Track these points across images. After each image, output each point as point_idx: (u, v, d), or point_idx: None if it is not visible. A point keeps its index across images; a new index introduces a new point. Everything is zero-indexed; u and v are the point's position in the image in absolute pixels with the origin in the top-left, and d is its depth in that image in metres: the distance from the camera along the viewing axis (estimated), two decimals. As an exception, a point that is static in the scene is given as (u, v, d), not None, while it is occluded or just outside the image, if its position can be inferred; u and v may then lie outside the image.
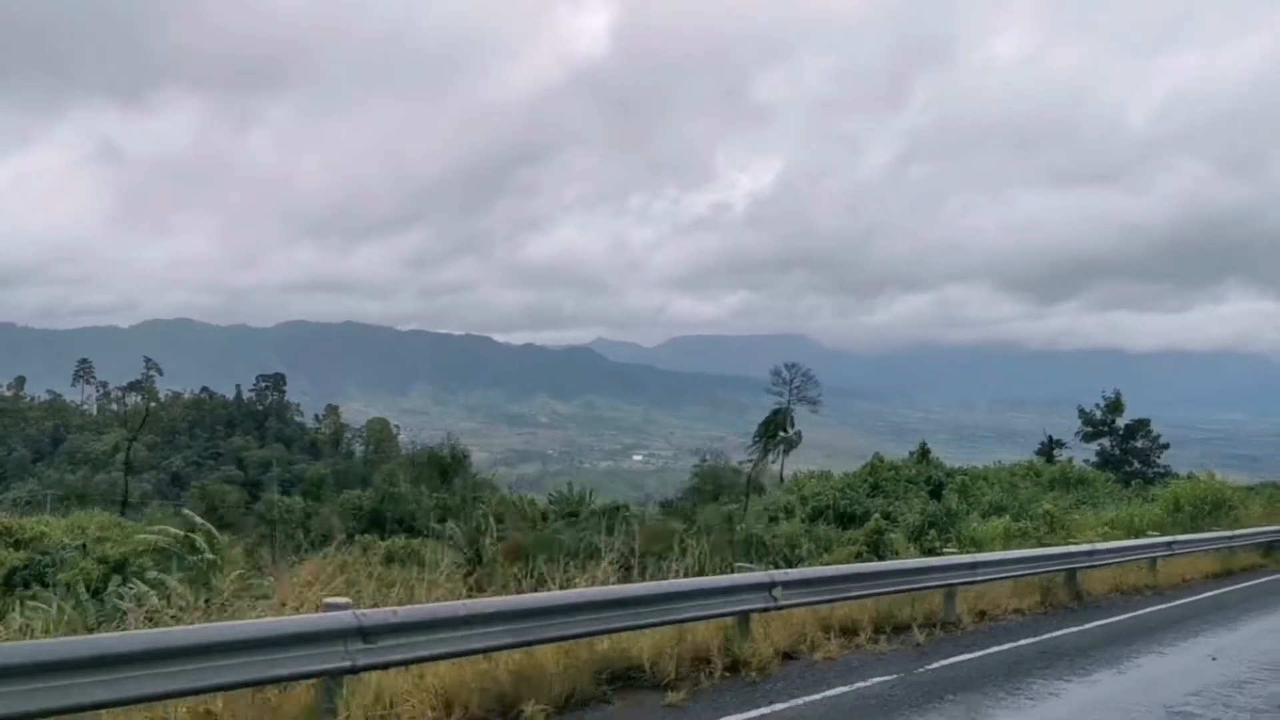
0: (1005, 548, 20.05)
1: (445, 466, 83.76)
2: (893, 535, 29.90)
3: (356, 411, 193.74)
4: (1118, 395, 65.72)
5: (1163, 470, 58.95)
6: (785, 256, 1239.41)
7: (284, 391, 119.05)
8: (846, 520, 39.06)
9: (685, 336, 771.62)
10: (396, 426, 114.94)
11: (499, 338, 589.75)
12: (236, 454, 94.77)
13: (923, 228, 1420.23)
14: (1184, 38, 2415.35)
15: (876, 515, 33.09)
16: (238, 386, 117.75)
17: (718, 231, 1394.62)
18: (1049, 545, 18.47)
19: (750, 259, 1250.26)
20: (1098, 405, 66.22)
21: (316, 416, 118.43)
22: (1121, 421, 65.36)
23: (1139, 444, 64.50)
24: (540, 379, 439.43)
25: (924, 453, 52.55)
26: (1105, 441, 65.25)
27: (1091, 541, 18.21)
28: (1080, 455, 64.37)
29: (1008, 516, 29.83)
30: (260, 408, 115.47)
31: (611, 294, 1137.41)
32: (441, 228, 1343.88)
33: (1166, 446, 65.04)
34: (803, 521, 40.23)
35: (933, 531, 29.33)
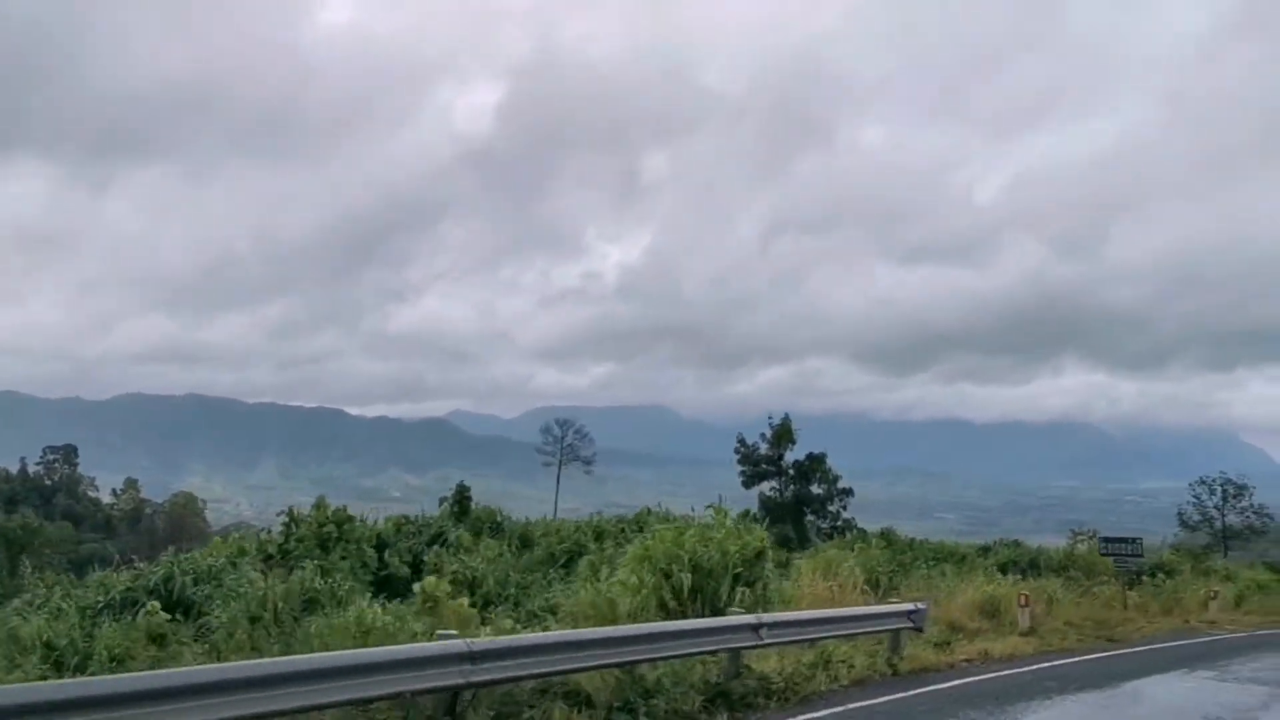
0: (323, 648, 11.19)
1: (11, 539, 71.17)
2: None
3: (199, 487, 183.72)
4: (785, 421, 50.42)
5: (842, 524, 46.51)
6: (653, 329, 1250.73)
7: (75, 464, 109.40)
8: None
9: (545, 408, 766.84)
10: (203, 501, 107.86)
11: (352, 410, 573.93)
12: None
13: (787, 301, 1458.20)
14: (1033, 124, 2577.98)
15: None
16: (22, 459, 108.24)
17: (588, 304, 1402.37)
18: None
19: (618, 331, 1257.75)
20: (763, 435, 50.46)
21: (114, 491, 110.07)
22: (792, 457, 50.41)
23: (816, 489, 49.46)
24: (394, 452, 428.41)
25: (461, 499, 33.11)
26: (774, 484, 50.45)
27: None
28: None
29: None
30: (49, 482, 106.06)
31: (476, 365, 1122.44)
32: (306, 299, 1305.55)
33: (849, 492, 50.01)
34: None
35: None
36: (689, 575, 13.59)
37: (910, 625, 15.14)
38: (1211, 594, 28.18)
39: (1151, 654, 18.40)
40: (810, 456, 50.16)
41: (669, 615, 13.17)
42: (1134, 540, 29.00)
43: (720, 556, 14.07)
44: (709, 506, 17.14)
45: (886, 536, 33.79)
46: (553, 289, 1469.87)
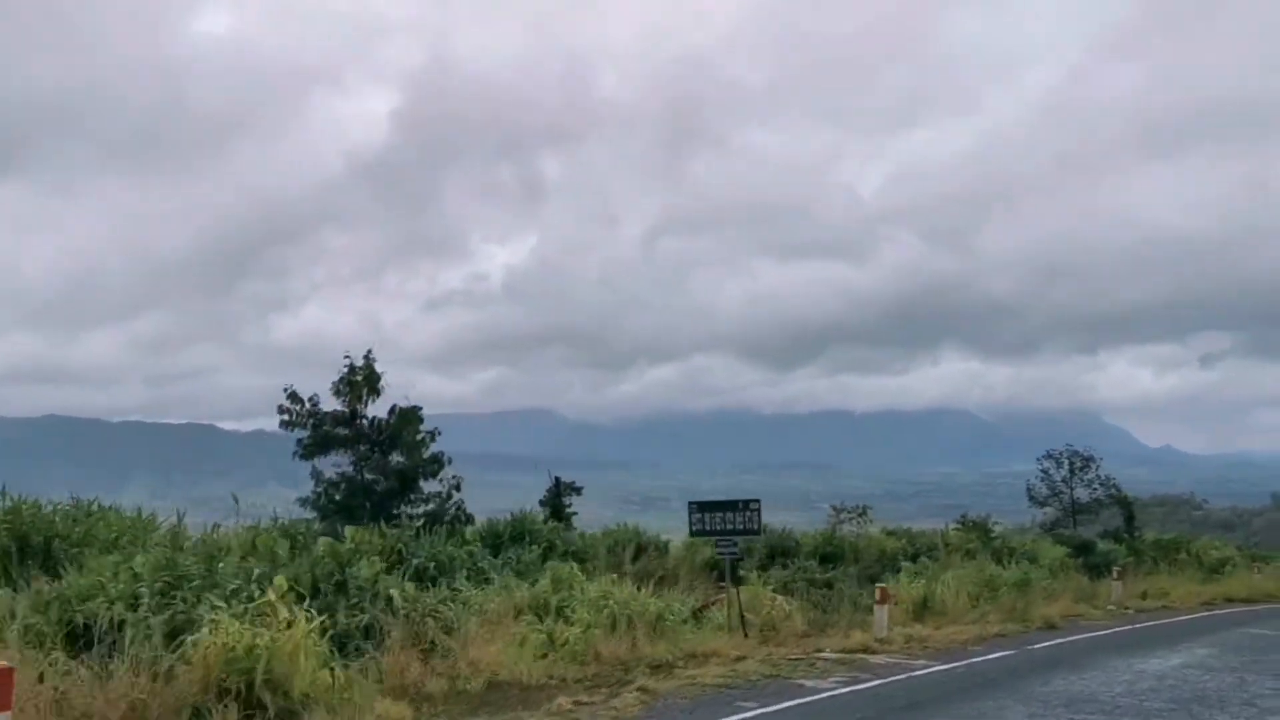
0: None
1: None
2: None
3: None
4: (368, 360, 28.62)
5: (452, 513, 28.31)
6: (541, 332, 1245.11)
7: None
8: None
9: (429, 415, 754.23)
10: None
11: (225, 425, 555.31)
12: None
13: (674, 301, 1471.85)
14: (907, 125, 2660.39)
15: None
16: None
17: (475, 310, 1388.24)
18: None
19: (506, 336, 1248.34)
20: (341, 378, 27.97)
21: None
22: (375, 410, 29.10)
23: (401, 459, 29.36)
24: (272, 466, 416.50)
25: None
26: (343, 459, 28.70)
27: None
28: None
29: None
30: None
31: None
32: (179, 314, 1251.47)
33: (439, 462, 28.62)
34: None
35: None
36: None
37: None
38: (879, 599, 18.62)
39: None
40: (395, 411, 29.77)
41: None
42: (745, 505, 17.97)
43: None
44: None
45: (495, 528, 24.10)
46: (439, 296, 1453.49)
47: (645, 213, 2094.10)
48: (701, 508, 18.74)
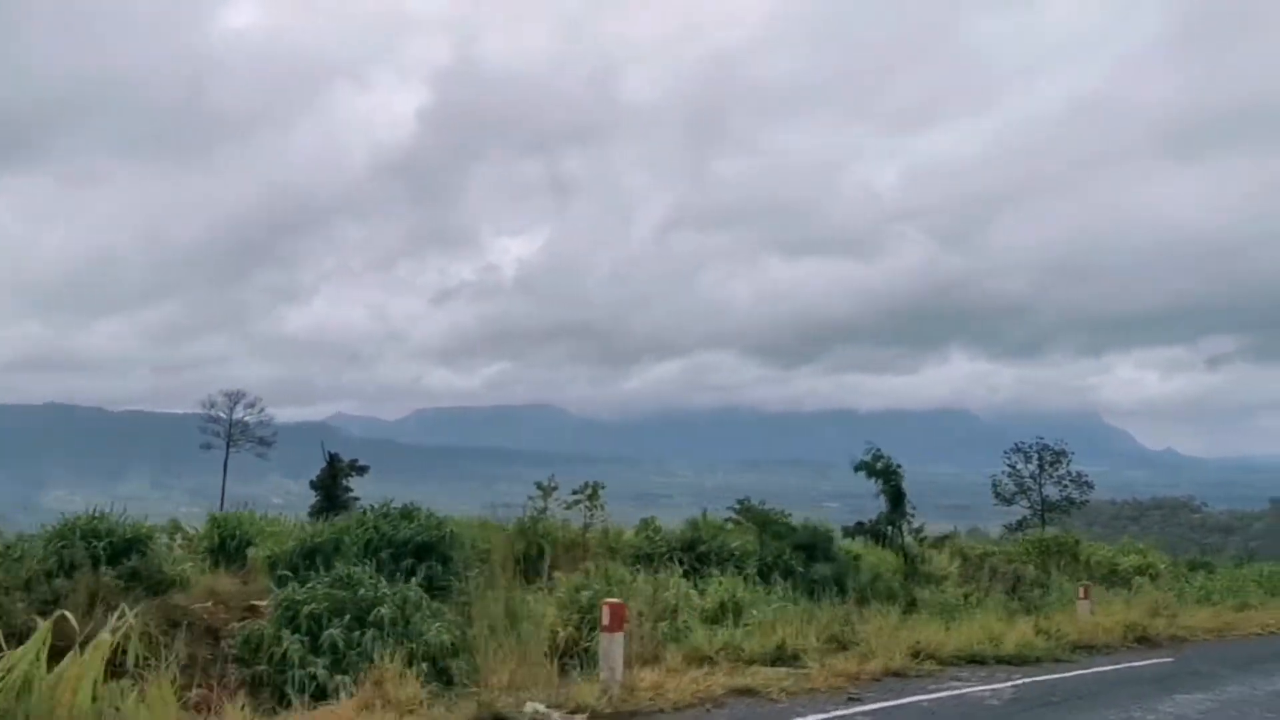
0: None
1: None
2: None
3: (62, 500, 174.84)
4: None
5: None
6: (549, 327, 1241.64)
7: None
8: None
9: (430, 409, 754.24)
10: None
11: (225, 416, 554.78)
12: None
13: (683, 297, 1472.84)
14: (923, 125, 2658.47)
15: None
16: None
17: (484, 304, 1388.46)
18: None
19: (514, 330, 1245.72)
20: None
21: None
22: None
23: None
24: (272, 458, 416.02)
25: None
26: None
27: None
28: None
29: None
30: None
31: (366, 367, 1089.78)
32: (190, 304, 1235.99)
33: None
34: None
35: None
36: None
37: None
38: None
39: None
40: None
41: None
42: None
43: None
44: None
45: None
46: (448, 291, 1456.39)
47: (661, 210, 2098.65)
48: None
